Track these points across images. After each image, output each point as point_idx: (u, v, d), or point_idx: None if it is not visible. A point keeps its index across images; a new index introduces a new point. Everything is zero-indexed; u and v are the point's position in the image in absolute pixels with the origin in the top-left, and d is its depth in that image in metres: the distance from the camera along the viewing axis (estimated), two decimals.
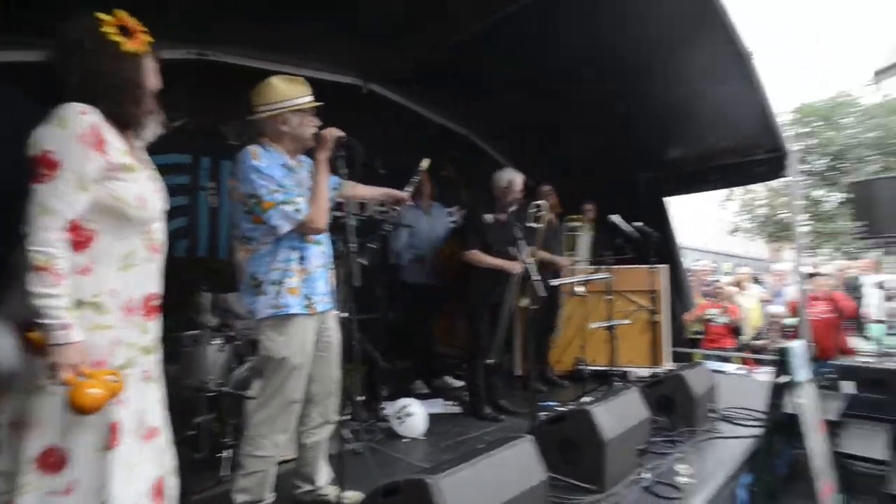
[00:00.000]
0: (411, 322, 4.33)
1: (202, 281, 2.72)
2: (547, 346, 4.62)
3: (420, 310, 4.29)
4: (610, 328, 3.83)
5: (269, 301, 1.98)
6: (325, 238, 2.16)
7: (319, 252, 2.13)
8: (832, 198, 19.17)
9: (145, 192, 1.38)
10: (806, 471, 3.02)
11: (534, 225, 3.65)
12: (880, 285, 5.06)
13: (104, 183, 1.30)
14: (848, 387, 4.36)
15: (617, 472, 2.42)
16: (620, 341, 4.25)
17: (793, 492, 3.45)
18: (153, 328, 1.43)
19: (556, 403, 3.76)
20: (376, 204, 4.47)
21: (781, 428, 3.32)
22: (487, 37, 3.51)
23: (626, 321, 4.22)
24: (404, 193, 2.48)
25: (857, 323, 5.89)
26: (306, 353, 2.05)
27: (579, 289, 3.91)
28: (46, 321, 1.20)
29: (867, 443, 3.70)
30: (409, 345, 4.36)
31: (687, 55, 3.60)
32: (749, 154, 4.82)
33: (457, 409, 3.73)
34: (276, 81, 2.05)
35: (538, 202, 3.72)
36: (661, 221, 5.30)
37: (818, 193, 19.81)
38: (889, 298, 4.90)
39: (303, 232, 2.02)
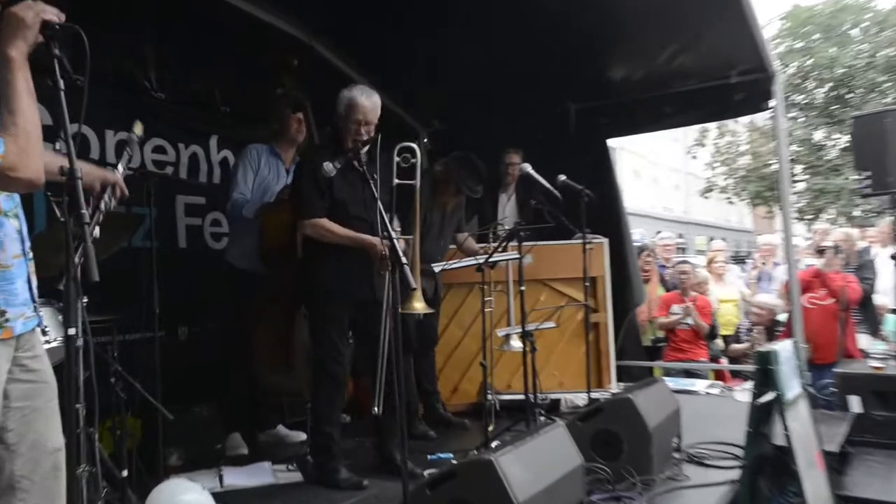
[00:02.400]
0: (226, 338, 4.20)
1: None
2: (431, 366, 4.69)
3: (239, 316, 4.19)
4: (527, 337, 3.91)
5: None
6: (18, 204, 1.96)
7: (13, 231, 1.92)
8: (837, 141, 21.28)
9: None
10: None
11: (407, 181, 3.64)
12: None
13: None
14: (854, 403, 4.84)
15: None
16: (544, 355, 4.37)
17: None
18: None
19: (449, 455, 3.82)
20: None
21: (767, 467, 3.62)
22: None
23: (552, 324, 4.35)
24: (116, 175, 2.38)
25: (866, 313, 6.54)
26: None
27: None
28: None
29: (881, 481, 4.12)
30: (217, 378, 4.21)
31: None
32: (720, 76, 5.13)
33: (296, 476, 3.67)
34: None
35: (409, 144, 3.69)
36: (600, 175, 5.53)
37: (818, 136, 21.91)
38: None
39: None
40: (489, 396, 4.02)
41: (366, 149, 3.36)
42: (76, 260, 1.74)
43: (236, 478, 3.56)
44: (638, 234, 7.17)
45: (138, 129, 2.61)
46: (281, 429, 4.47)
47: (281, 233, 3.97)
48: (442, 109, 6.11)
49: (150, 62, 4.37)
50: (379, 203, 3.09)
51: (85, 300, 1.97)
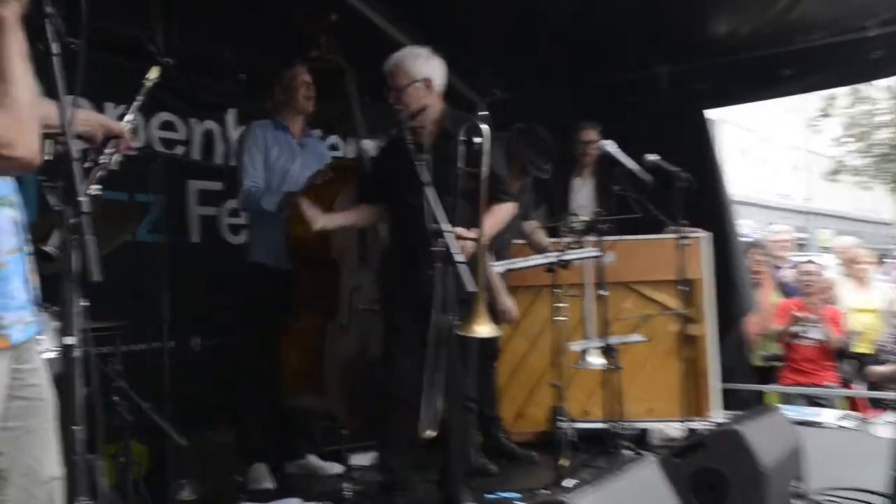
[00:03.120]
0: (248, 350, 4.28)
1: None
2: (491, 386, 4.70)
3: (263, 324, 4.25)
4: (609, 352, 3.89)
5: None
6: (11, 190, 2.01)
7: (8, 222, 1.98)
8: None
9: None
10: None
11: (468, 169, 3.64)
12: None
13: None
14: None
15: None
16: (630, 375, 4.35)
17: None
18: None
19: (513, 494, 3.84)
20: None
21: None
22: None
23: (639, 338, 4.34)
24: (122, 125, 2.41)
25: None
26: None
27: None
28: None
29: None
30: (236, 398, 4.29)
31: None
32: (853, 28, 5.04)
33: None
34: None
35: (475, 122, 3.69)
36: (699, 154, 5.50)
37: None
38: None
39: None
40: (562, 424, 4.02)
41: (412, 122, 3.38)
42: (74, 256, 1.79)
43: None
44: (747, 226, 7.04)
45: (154, 73, 2.67)
46: (312, 459, 4.50)
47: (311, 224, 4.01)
48: (504, 75, 6.10)
49: (157, 22, 4.43)
50: (426, 190, 3.11)
51: (84, 303, 2.01)
